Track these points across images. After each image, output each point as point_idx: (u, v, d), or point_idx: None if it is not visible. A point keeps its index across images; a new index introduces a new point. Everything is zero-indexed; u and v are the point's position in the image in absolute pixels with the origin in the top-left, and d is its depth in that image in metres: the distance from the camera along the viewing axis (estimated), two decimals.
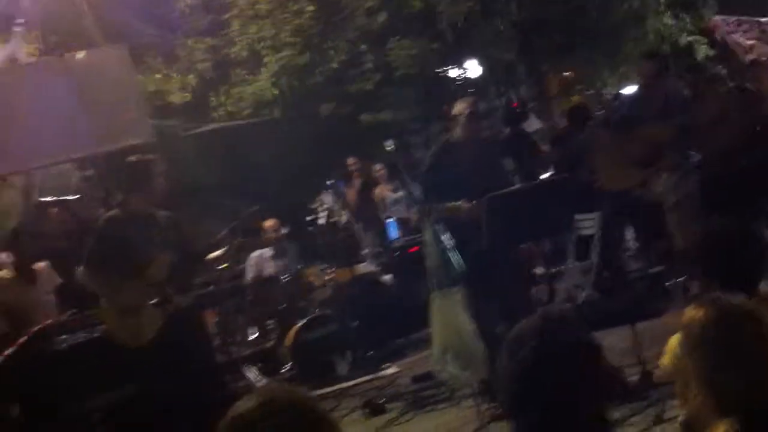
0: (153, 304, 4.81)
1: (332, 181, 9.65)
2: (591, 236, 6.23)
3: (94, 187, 7.61)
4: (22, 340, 5.79)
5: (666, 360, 2.82)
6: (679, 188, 5.45)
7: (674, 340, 2.73)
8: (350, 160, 9.67)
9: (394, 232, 8.90)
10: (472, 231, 4.57)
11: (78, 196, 6.19)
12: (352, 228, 9.13)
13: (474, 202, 4.71)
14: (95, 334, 6.01)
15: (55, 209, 7.25)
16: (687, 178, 5.56)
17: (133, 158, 4.96)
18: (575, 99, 11.33)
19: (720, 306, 2.09)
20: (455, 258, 4.07)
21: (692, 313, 2.13)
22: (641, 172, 5.59)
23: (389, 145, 4.45)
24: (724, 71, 6.67)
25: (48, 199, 4.88)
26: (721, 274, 2.67)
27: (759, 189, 5.75)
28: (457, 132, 5.14)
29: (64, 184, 7.90)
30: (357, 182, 9.70)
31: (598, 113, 6.31)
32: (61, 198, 4.70)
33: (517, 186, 4.95)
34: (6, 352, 5.72)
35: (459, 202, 4.80)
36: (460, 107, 5.17)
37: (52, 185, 7.95)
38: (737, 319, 2.06)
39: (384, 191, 9.44)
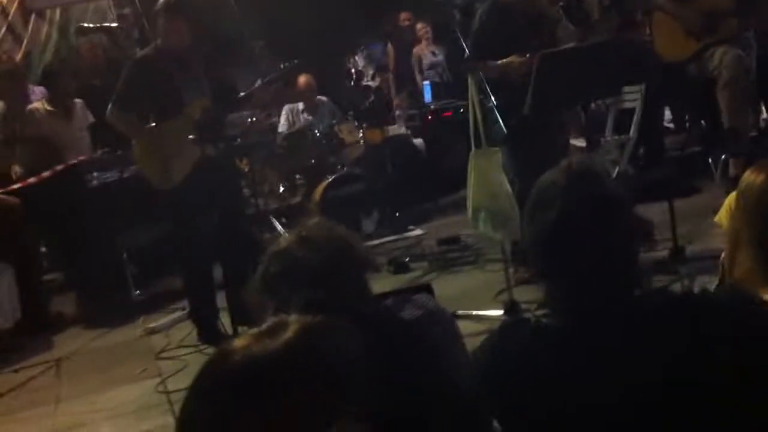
0: (186, 146, 4.75)
1: (365, 44, 9.45)
2: (632, 110, 6.06)
3: (130, 25, 7.47)
4: (49, 172, 5.83)
5: (722, 214, 2.75)
6: (735, 64, 5.21)
7: (732, 197, 2.66)
8: (404, 15, 9.39)
9: (428, 95, 8.76)
10: (518, 93, 4.42)
11: (117, 25, 6.05)
12: (385, 90, 9.00)
13: (527, 55, 4.54)
14: (126, 174, 6.06)
15: (89, 46, 7.15)
16: (746, 53, 5.30)
17: None
18: None
19: None
20: (498, 117, 3.96)
21: (751, 176, 2.05)
22: (697, 43, 5.34)
23: None
24: None
25: (88, 24, 4.76)
26: None
27: None
28: None
29: (102, 21, 7.77)
30: (405, 39, 9.47)
31: None
32: (102, 25, 4.58)
33: (571, 45, 4.74)
34: (34, 182, 5.77)
35: (510, 58, 4.62)
36: None
37: (90, 22, 7.83)
38: None
39: (423, 50, 9.21)
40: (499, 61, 4.52)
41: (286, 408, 1.14)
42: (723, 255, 2.57)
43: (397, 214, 7.29)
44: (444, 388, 1.89)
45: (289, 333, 1.21)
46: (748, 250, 2.04)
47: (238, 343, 1.22)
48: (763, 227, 1.98)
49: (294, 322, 1.25)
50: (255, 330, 1.26)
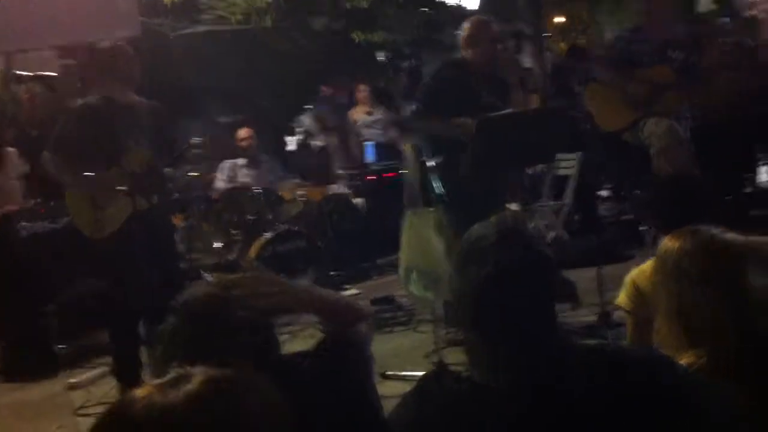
0: (121, 197, 4.67)
1: (313, 104, 9.53)
2: (567, 176, 6.18)
3: (72, 75, 7.40)
4: None
5: (621, 295, 2.86)
6: (667, 132, 5.34)
7: (630, 277, 2.78)
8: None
9: (371, 156, 8.82)
10: (456, 153, 4.47)
11: (56, 74, 5.99)
12: (327, 151, 9.05)
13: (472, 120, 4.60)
14: (58, 225, 5.94)
15: (28, 95, 7.05)
16: (679, 124, 5.45)
17: (107, 44, 4.77)
18: (578, 41, 11.21)
19: (697, 237, 2.05)
20: (435, 178, 4.00)
21: (668, 243, 2.09)
22: (634, 114, 5.46)
23: (381, 56, 4.33)
24: (726, 24, 6.56)
25: (26, 73, 4.69)
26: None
27: (749, 143, 5.73)
28: (467, 51, 5.02)
29: (43, 70, 7.68)
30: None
31: (598, 52, 6.08)
32: (40, 73, 4.51)
33: (510, 110, 4.84)
34: None
35: (461, 119, 4.67)
36: (471, 25, 5.06)
37: (31, 71, 7.73)
38: (713, 250, 2.02)
39: (358, 113, 9.27)
40: (450, 122, 4.59)
41: None
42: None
43: (333, 273, 7.26)
44: None
45: (192, 384, 1.18)
46: (665, 316, 2.07)
47: (140, 392, 1.18)
48: (681, 293, 2.01)
49: (198, 373, 1.22)
50: (158, 381, 1.22)
